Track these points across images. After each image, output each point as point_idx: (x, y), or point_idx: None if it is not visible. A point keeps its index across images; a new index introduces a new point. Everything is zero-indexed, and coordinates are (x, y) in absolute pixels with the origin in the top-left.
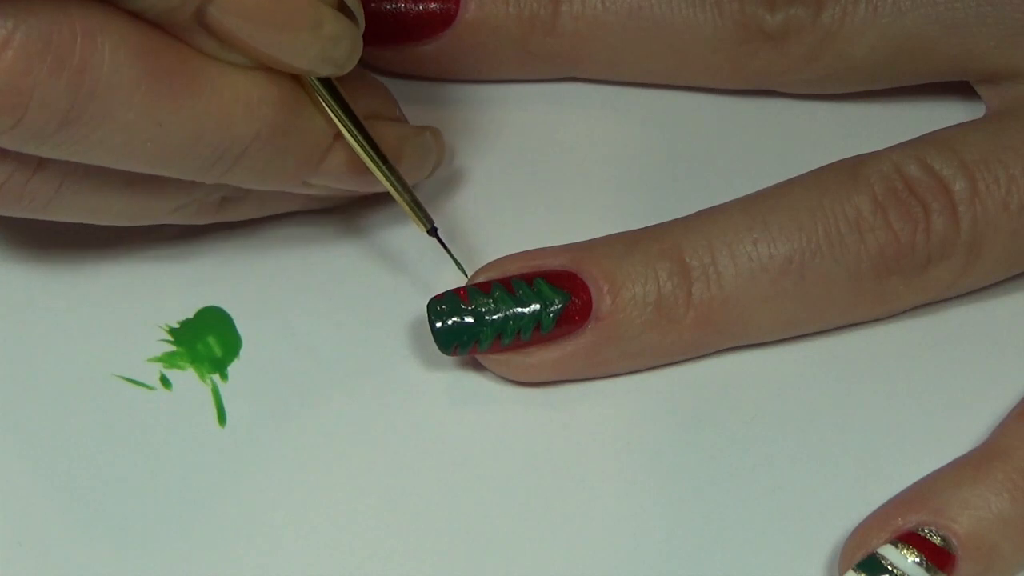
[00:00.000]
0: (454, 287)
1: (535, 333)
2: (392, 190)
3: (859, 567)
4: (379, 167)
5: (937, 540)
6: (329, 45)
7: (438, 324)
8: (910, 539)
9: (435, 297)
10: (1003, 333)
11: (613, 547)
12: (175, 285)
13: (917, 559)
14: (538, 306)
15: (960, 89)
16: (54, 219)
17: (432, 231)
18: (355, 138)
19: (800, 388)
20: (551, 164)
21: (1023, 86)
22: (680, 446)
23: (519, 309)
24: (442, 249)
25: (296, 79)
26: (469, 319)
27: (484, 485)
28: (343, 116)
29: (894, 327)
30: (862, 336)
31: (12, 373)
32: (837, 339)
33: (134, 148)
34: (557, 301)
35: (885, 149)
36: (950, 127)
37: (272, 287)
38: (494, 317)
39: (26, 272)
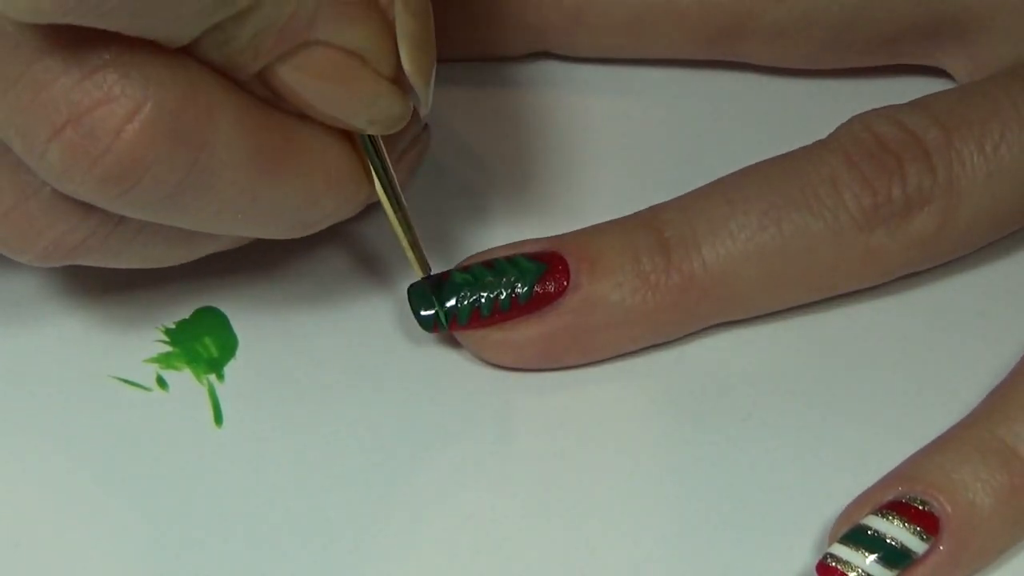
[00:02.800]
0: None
1: (514, 304)
2: (403, 238)
3: (845, 538)
4: (399, 220)
5: (920, 505)
6: (380, 113)
7: (416, 300)
8: (893, 507)
9: (415, 281)
10: (998, 319)
11: (606, 538)
12: (171, 286)
13: (903, 523)
14: (515, 276)
15: (937, 77)
16: (112, 267)
17: (427, 278)
18: (384, 190)
19: (794, 378)
20: (528, 152)
21: (992, 49)
22: (673, 436)
23: (497, 278)
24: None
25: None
26: (446, 291)
27: (484, 484)
28: (380, 171)
29: (888, 314)
30: (857, 324)
31: (9, 374)
32: (832, 327)
33: (225, 217)
34: (535, 270)
35: (854, 115)
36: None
37: (268, 288)
38: (472, 289)
39: (23, 273)
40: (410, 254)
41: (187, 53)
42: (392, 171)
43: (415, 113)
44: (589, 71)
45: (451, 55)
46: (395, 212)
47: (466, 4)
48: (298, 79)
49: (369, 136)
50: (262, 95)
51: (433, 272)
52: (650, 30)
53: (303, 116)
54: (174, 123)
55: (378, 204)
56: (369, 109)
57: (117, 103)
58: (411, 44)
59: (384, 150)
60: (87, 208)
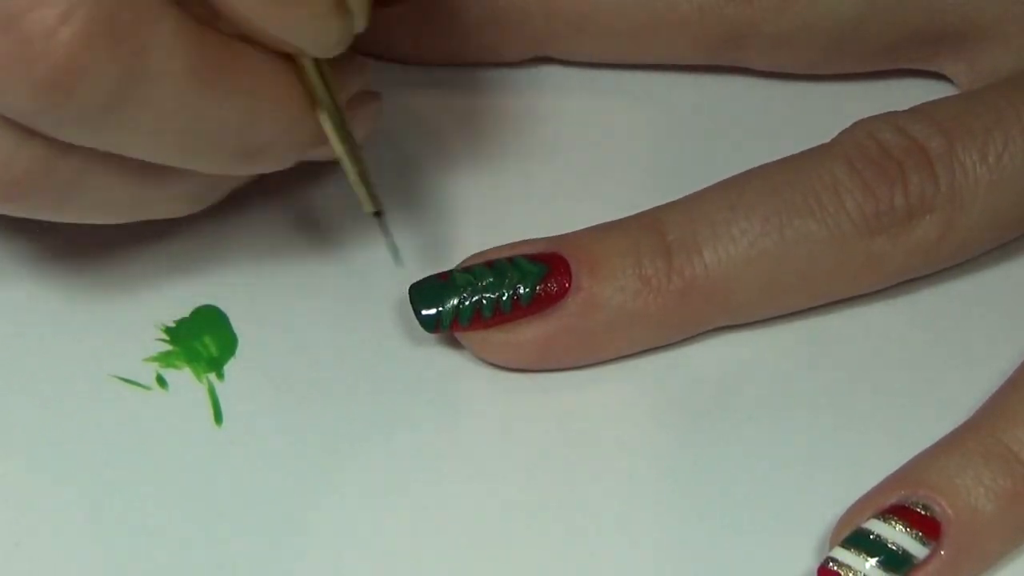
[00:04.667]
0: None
1: (515, 306)
2: (351, 172)
3: (846, 542)
4: (346, 151)
5: (921, 510)
6: (324, 31)
7: (418, 301)
8: (894, 511)
9: (417, 280)
10: (998, 321)
11: (606, 539)
12: (171, 284)
13: (904, 528)
14: (517, 277)
15: (937, 82)
16: (58, 218)
17: (377, 214)
18: (332, 121)
19: (794, 380)
20: (529, 155)
21: (993, 57)
22: (674, 438)
23: (499, 280)
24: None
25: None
26: (448, 291)
27: (483, 484)
28: (327, 101)
29: (888, 318)
30: (857, 327)
31: (8, 373)
32: (832, 330)
33: (166, 139)
34: (537, 272)
35: (857, 121)
36: (922, 103)
37: (268, 286)
38: (474, 290)
39: (22, 272)
40: (359, 189)
41: None
42: (340, 101)
43: (360, 65)
44: (589, 74)
45: (451, 60)
46: (341, 143)
47: (466, 11)
48: None
49: (317, 68)
50: (204, 16)
51: (434, 272)
52: (652, 39)
53: (244, 37)
54: (110, 25)
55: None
56: (308, 26)
57: (50, 5)
58: None
59: (331, 79)
60: (29, 134)
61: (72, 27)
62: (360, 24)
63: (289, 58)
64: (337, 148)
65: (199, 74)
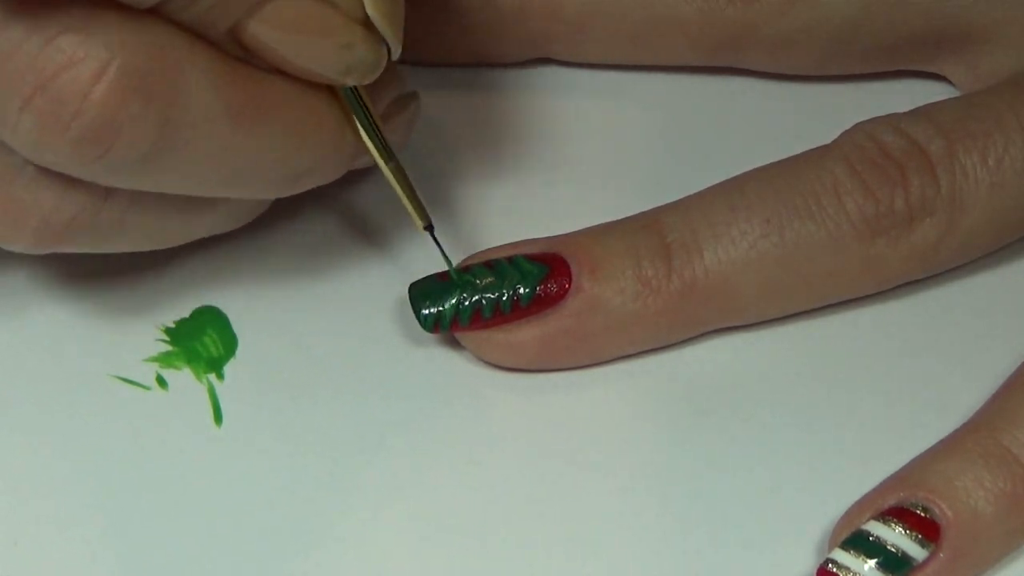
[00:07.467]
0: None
1: (515, 306)
2: (397, 188)
3: (846, 543)
4: (389, 168)
5: (921, 512)
6: (356, 60)
7: (418, 300)
8: (894, 513)
9: (417, 280)
10: (996, 323)
11: (605, 540)
12: (171, 285)
13: (904, 530)
14: (517, 278)
15: (937, 83)
16: (108, 251)
17: (428, 228)
18: (372, 140)
19: (793, 381)
20: (528, 155)
21: (993, 60)
22: (673, 439)
23: (499, 281)
24: (437, 250)
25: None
26: (448, 291)
27: (482, 483)
28: (365, 121)
29: (886, 318)
30: (855, 327)
31: (8, 373)
32: (830, 331)
33: (209, 176)
34: (536, 273)
35: (858, 123)
36: (923, 104)
37: (268, 286)
38: (474, 291)
39: (23, 272)
40: (408, 205)
41: (155, 14)
42: (378, 122)
43: (395, 72)
44: (589, 74)
45: (451, 61)
46: (386, 163)
47: (467, 13)
48: (268, 32)
49: (352, 89)
50: (237, 54)
51: (434, 273)
52: (652, 41)
53: (279, 71)
54: (142, 80)
55: (377, 198)
56: (342, 57)
57: (82, 65)
58: None
59: (368, 101)
60: (72, 182)
61: (105, 85)
62: (394, 50)
63: (327, 86)
64: (382, 168)
65: (235, 114)
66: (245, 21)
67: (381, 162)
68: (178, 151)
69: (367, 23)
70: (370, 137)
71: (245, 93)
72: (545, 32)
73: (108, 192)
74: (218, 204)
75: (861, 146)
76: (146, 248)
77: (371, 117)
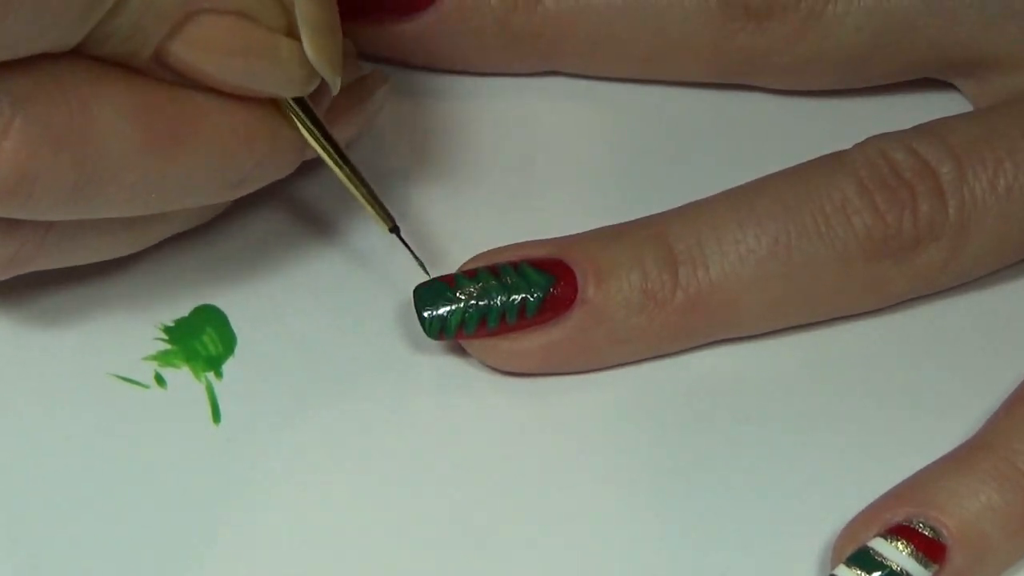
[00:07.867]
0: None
1: (521, 316)
2: (357, 195)
3: (850, 560)
4: (348, 175)
5: (927, 532)
6: (285, 75)
7: (423, 306)
8: (900, 531)
9: (421, 283)
10: (996, 333)
11: (605, 544)
12: (170, 283)
13: (908, 550)
14: (523, 288)
15: (948, 91)
16: (70, 265)
17: (393, 230)
18: (321, 146)
19: (794, 388)
20: (535, 160)
21: (1005, 78)
22: (674, 445)
23: (504, 291)
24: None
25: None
26: (454, 301)
27: (481, 483)
28: (315, 132)
29: (888, 327)
30: (856, 335)
31: (7, 372)
32: (831, 338)
33: (143, 199)
34: (542, 283)
35: (870, 137)
36: (935, 119)
37: (267, 285)
38: (479, 299)
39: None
40: (368, 209)
41: (68, 55)
42: (324, 126)
43: (354, 61)
44: (596, 83)
45: (465, 72)
46: (338, 168)
47: (478, 30)
48: (192, 53)
49: (295, 99)
50: (168, 78)
51: (435, 275)
52: (665, 64)
53: (214, 90)
54: (47, 129)
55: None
56: (271, 72)
57: None
58: (312, 29)
59: (311, 106)
60: (10, 222)
61: (12, 141)
62: (333, 87)
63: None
64: (337, 174)
65: (155, 144)
66: (167, 45)
67: (336, 168)
68: (104, 183)
69: (292, 35)
70: (319, 144)
71: (165, 117)
72: (557, 52)
73: (49, 225)
74: (168, 214)
75: (873, 163)
76: (108, 257)
77: (318, 124)
